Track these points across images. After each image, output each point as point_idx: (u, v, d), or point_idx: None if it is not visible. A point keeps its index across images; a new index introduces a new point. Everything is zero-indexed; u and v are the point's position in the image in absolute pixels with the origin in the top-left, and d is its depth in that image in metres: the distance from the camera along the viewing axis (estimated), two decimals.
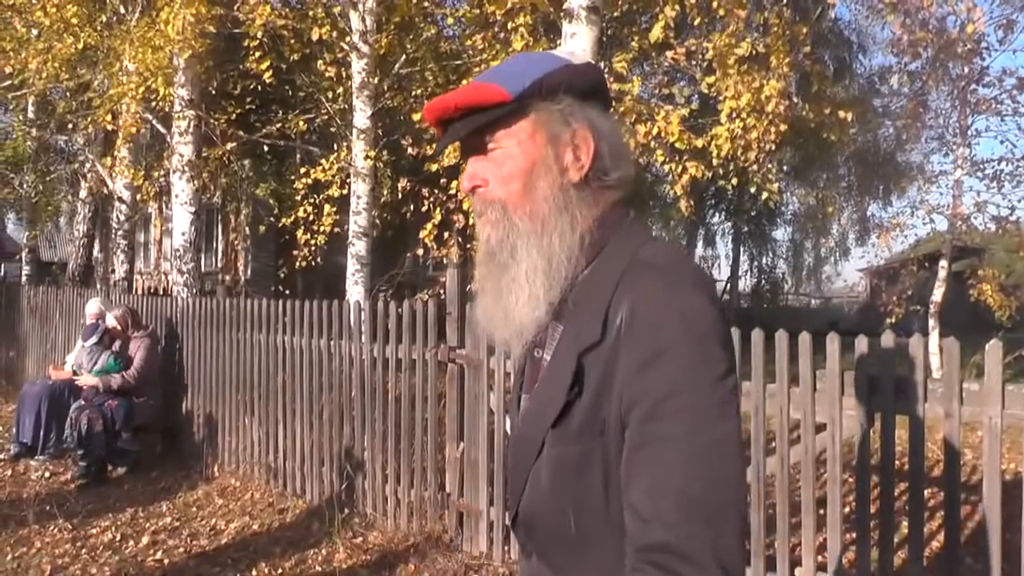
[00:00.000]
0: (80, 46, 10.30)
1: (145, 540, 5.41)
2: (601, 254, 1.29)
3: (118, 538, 5.45)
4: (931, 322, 13.06)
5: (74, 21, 9.93)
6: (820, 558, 3.90)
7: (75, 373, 7.28)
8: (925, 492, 3.65)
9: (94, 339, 7.19)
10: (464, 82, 8.83)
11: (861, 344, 3.54)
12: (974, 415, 3.26)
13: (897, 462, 3.69)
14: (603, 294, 1.23)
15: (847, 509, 3.91)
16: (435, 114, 1.33)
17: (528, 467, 1.30)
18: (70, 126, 13.03)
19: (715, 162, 8.16)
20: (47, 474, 6.94)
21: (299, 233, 9.82)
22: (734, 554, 1.09)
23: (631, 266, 1.25)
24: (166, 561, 5.10)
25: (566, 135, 1.30)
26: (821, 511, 3.87)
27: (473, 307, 1.42)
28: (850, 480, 3.94)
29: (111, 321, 7.28)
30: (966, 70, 12.56)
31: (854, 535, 3.70)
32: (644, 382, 1.14)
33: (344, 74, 9.50)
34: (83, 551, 5.20)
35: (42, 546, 5.25)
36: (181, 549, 5.28)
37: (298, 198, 9.83)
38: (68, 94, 12.84)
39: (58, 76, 11.10)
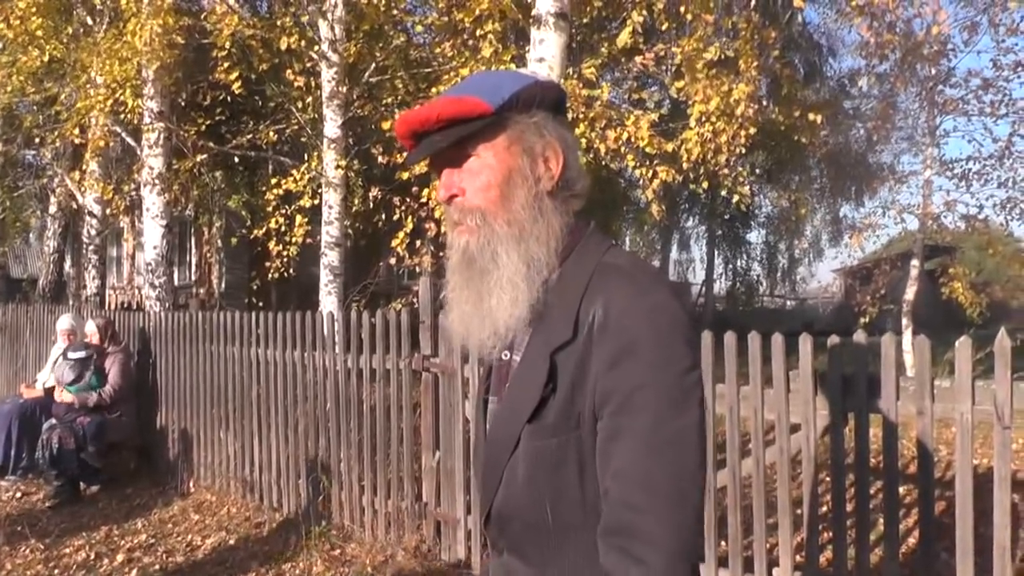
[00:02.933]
0: (46, 59, 10.22)
1: (120, 558, 5.35)
2: (568, 259, 1.36)
3: (92, 557, 5.38)
4: (904, 320, 13.14)
5: (39, 33, 9.85)
6: (798, 558, 3.90)
7: (47, 392, 7.17)
8: (900, 489, 3.66)
9: (83, 353, 7.07)
10: (435, 90, 8.84)
11: (834, 344, 3.55)
12: (946, 412, 3.27)
13: (872, 460, 3.70)
14: (573, 296, 1.30)
15: (823, 508, 3.92)
16: (412, 126, 1.36)
17: (503, 464, 1.35)
18: (37, 140, 12.91)
19: (685, 166, 8.20)
20: (18, 494, 6.85)
21: (271, 244, 9.77)
22: (692, 537, 1.19)
23: (599, 269, 1.32)
24: None
25: (539, 147, 1.37)
26: (797, 511, 3.88)
27: (445, 314, 1.46)
28: (826, 479, 3.95)
29: (91, 329, 7.19)
30: (933, 71, 12.68)
31: (831, 534, 3.71)
32: (614, 377, 1.22)
33: (314, 83, 9.47)
34: (56, 571, 5.13)
35: (13, 568, 5.17)
36: (157, 566, 5.21)
37: (270, 209, 9.78)
38: (35, 108, 12.72)
39: (24, 89, 11.01)
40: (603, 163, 8.89)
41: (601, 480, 1.24)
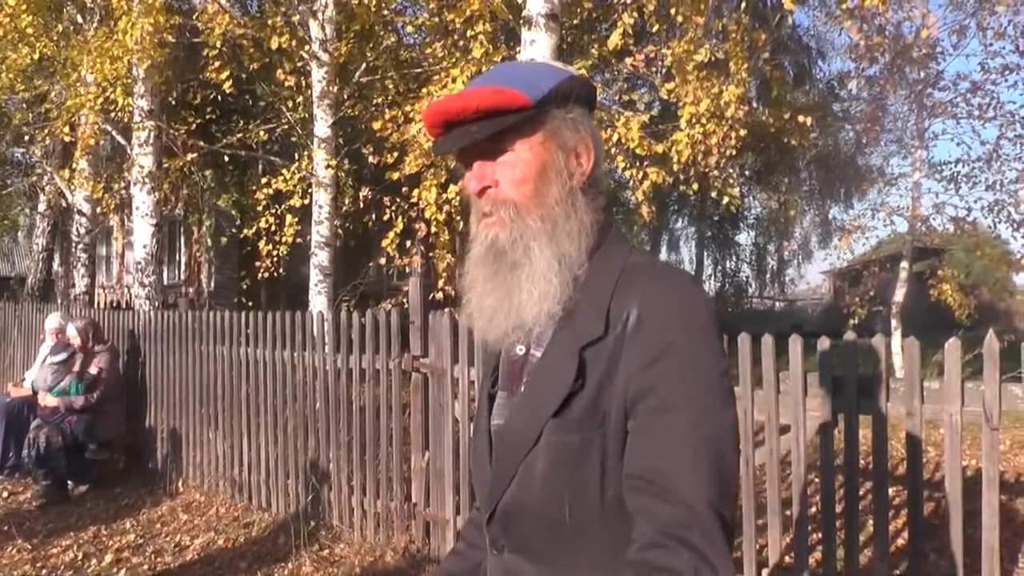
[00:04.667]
0: (36, 56, 10.17)
1: (108, 558, 5.32)
2: (595, 256, 1.35)
3: (80, 557, 5.36)
4: (893, 322, 13.20)
5: (29, 31, 9.80)
6: (787, 559, 3.91)
7: (35, 391, 7.14)
8: (890, 490, 3.67)
9: (63, 355, 7.03)
10: (425, 90, 8.83)
11: (824, 345, 3.56)
12: (935, 413, 3.28)
13: (862, 461, 3.71)
14: (603, 293, 1.29)
15: (813, 509, 3.93)
16: (447, 115, 1.33)
17: (519, 459, 1.32)
18: (27, 138, 12.85)
19: (675, 167, 8.21)
20: (5, 494, 6.81)
21: (261, 244, 9.75)
22: (732, 530, 1.20)
23: (627, 269, 1.32)
24: None
25: (573, 142, 1.36)
26: (787, 512, 3.89)
27: (466, 305, 1.42)
28: (815, 480, 3.97)
29: (72, 332, 7.16)
30: (922, 74, 12.74)
31: (820, 535, 3.72)
32: (653, 375, 1.21)
33: (304, 83, 9.47)
34: (44, 572, 5.10)
35: None
36: (145, 567, 5.19)
37: (260, 208, 9.76)
38: (24, 105, 12.66)
39: (13, 87, 10.96)
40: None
41: (629, 474, 1.22)
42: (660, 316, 1.23)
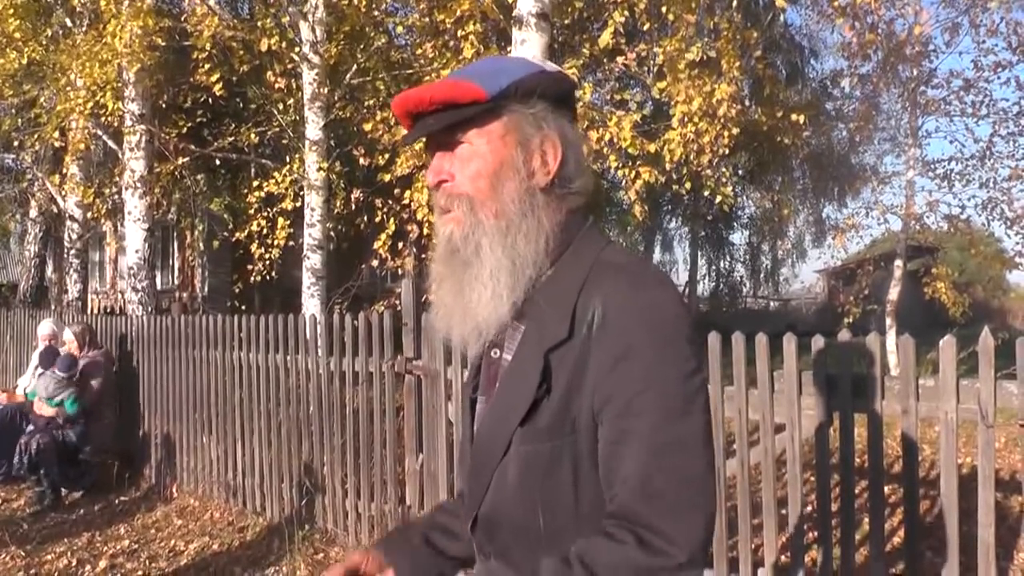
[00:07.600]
0: (24, 61, 10.13)
1: (103, 564, 5.29)
2: (564, 256, 1.32)
3: (74, 563, 5.33)
4: (888, 321, 13.20)
5: (17, 35, 9.77)
6: (783, 558, 3.90)
7: (28, 397, 7.09)
8: (885, 488, 3.66)
9: (66, 374, 6.94)
10: None
11: (818, 344, 3.54)
12: (930, 411, 3.27)
13: (857, 460, 3.70)
14: (569, 294, 1.26)
15: (808, 508, 3.92)
16: (406, 107, 1.33)
17: (493, 467, 1.30)
18: (17, 144, 12.78)
19: (668, 167, 8.20)
20: None
21: (254, 247, 9.73)
22: (700, 544, 1.15)
23: (596, 267, 1.28)
24: None
25: (536, 140, 1.32)
26: (782, 511, 3.87)
27: (431, 305, 1.41)
28: (811, 479, 3.95)
29: (69, 336, 7.12)
30: (915, 72, 12.76)
31: (816, 534, 3.70)
32: (615, 379, 1.19)
33: (295, 85, 9.45)
34: None
35: None
36: (140, 572, 5.17)
37: (252, 212, 9.73)
38: (13, 111, 12.61)
39: (2, 92, 10.90)
40: (585, 164, 8.90)
41: (608, 486, 1.21)
42: (621, 316, 1.20)
